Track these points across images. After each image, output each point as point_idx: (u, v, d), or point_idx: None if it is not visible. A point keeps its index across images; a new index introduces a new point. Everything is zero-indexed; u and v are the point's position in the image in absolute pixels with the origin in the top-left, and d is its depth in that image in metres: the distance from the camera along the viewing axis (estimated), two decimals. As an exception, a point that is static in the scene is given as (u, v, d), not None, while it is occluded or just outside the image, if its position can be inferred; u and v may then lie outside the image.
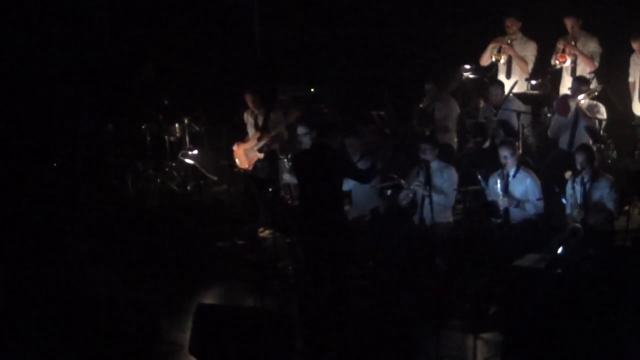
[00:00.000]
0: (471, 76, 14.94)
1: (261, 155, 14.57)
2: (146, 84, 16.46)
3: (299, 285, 11.21)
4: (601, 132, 12.96)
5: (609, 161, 12.97)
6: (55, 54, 15.79)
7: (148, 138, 15.71)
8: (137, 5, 16.57)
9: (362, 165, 12.55)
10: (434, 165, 11.96)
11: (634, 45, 13.41)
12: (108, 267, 13.78)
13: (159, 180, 15.49)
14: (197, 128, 16.18)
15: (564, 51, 13.96)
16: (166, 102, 15.95)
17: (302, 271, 11.20)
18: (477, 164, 12.86)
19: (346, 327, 9.75)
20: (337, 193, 10.61)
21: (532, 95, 14.09)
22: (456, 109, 14.16)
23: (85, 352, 10.06)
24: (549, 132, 13.36)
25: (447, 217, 12.27)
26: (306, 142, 10.92)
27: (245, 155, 14.75)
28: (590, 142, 12.55)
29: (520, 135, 13.01)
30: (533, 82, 14.19)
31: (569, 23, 13.96)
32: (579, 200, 11.22)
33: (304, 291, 11.04)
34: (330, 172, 10.50)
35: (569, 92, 13.30)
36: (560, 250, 9.82)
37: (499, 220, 11.74)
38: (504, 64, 14.52)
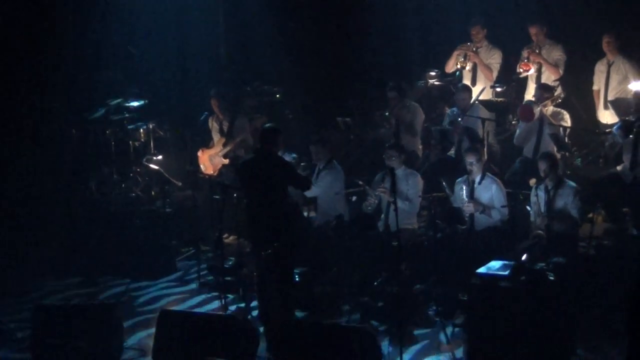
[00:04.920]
0: (436, 83, 14.97)
1: (226, 161, 14.52)
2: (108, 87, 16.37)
3: (260, 290, 11.17)
4: (566, 140, 13.02)
5: (574, 169, 13.02)
6: (18, 57, 15.64)
7: (112, 143, 15.61)
8: (101, 8, 16.45)
9: (326, 173, 12.59)
10: (400, 171, 11.98)
11: (604, 40, 13.43)
12: (70, 272, 13.71)
13: (123, 185, 15.39)
14: (161, 133, 16.11)
15: (528, 59, 14.01)
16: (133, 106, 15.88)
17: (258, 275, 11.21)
18: (442, 170, 12.88)
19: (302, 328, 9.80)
20: (281, 199, 10.71)
21: (497, 102, 14.13)
22: (421, 115, 14.13)
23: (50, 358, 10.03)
24: (515, 140, 13.40)
25: (413, 223, 12.31)
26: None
27: (210, 161, 14.69)
28: (555, 149, 12.61)
29: (485, 142, 13.03)
30: (498, 89, 14.24)
31: (533, 31, 14.02)
32: (542, 208, 11.26)
33: (261, 295, 11.03)
34: (273, 179, 10.60)
35: (533, 100, 13.35)
36: (524, 257, 9.83)
37: (463, 227, 11.77)
38: (469, 71, 14.54)
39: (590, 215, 11.71)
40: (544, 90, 13.17)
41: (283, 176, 10.81)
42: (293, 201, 12.08)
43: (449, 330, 10.58)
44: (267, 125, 11.38)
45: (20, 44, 15.50)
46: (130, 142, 15.76)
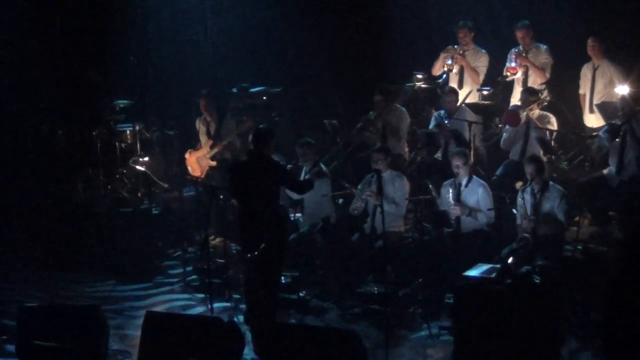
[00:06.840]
0: (423, 85, 14.96)
1: (213, 163, 14.51)
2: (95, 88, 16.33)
3: (247, 292, 11.16)
4: (552, 143, 13.04)
5: (560, 172, 13.04)
6: (4, 59, 15.63)
7: (99, 144, 15.58)
8: (87, 9, 16.44)
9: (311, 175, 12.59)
10: (386, 174, 11.97)
11: (589, 44, 13.45)
12: (56, 272, 13.68)
13: (109, 186, 15.36)
14: (148, 135, 16.08)
15: (515, 62, 14.01)
16: (117, 107, 15.88)
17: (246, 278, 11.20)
18: (428, 173, 12.89)
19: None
20: (272, 202, 10.68)
21: (483, 105, 14.14)
22: (407, 119, 14.11)
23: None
24: (502, 144, 13.38)
25: (399, 226, 12.29)
26: None
27: (197, 162, 14.70)
28: (541, 152, 12.62)
29: (472, 145, 13.04)
30: (485, 92, 14.25)
31: (519, 34, 14.03)
32: (529, 211, 11.26)
33: (249, 297, 11.01)
34: (266, 181, 10.57)
35: (519, 104, 13.36)
36: (510, 260, 9.84)
37: (450, 230, 11.78)
38: (456, 74, 14.53)
39: (577, 218, 11.75)
40: (529, 94, 13.18)
41: (276, 178, 10.81)
42: (282, 204, 12.08)
43: (434, 332, 10.60)
44: (261, 127, 11.33)
45: (8, 45, 15.48)
46: (117, 144, 15.73)
